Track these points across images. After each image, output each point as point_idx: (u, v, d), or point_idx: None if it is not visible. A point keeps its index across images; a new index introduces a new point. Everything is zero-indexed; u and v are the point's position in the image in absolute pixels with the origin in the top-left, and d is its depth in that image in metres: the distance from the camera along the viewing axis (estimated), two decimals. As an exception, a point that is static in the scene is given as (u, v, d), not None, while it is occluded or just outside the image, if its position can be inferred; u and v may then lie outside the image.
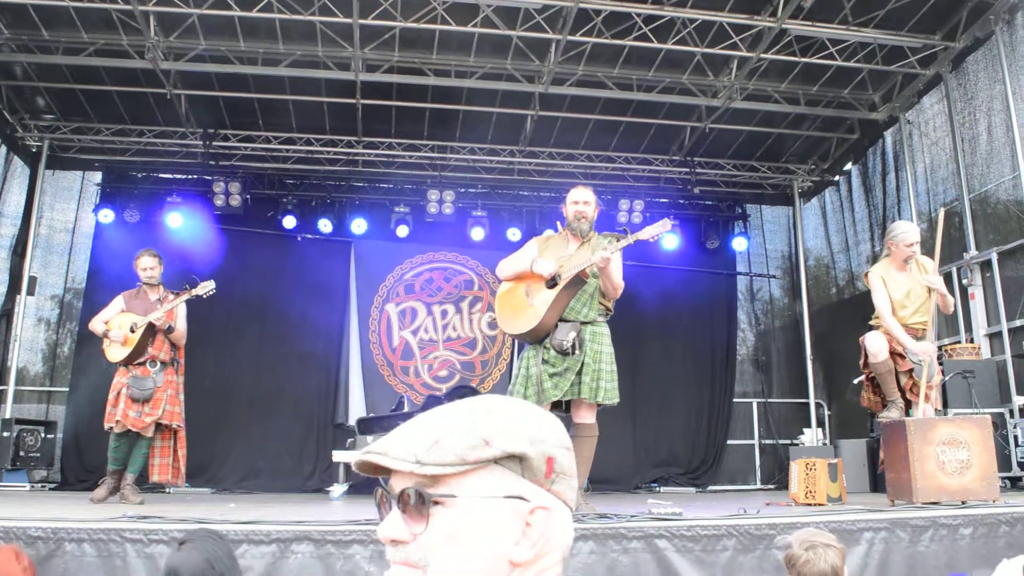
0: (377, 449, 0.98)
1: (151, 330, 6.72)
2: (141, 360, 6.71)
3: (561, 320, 5.27)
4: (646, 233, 5.38)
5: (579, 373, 5.26)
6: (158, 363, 6.75)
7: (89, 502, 6.35)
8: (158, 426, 6.67)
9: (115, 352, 6.77)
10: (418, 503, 0.95)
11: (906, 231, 6.12)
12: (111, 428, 6.57)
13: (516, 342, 10.40)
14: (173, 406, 6.75)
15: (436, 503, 0.95)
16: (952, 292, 8.75)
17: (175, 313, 6.85)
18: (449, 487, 0.95)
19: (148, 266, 6.93)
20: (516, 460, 0.97)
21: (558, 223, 5.74)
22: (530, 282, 5.30)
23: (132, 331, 6.69)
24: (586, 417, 5.32)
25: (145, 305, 6.82)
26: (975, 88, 8.84)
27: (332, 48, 9.07)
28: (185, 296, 6.86)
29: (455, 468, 0.95)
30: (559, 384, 5.19)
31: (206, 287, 6.91)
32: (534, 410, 1.03)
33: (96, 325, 6.86)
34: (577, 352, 5.22)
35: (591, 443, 5.31)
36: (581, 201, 5.48)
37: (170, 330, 6.79)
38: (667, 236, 11.18)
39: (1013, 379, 8.04)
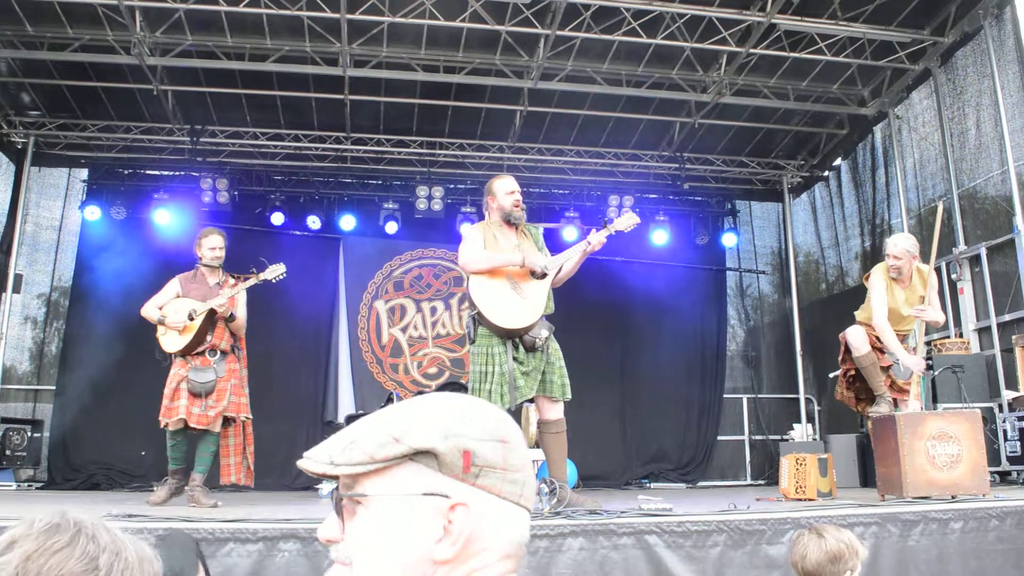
0: (306, 453, 1.00)
1: (211, 318, 6.19)
2: (200, 350, 6.19)
3: None
4: (620, 223, 5.59)
5: (544, 371, 5.24)
6: (218, 352, 6.23)
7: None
8: (224, 421, 6.22)
9: (172, 341, 6.18)
10: (340, 503, 0.97)
11: (888, 243, 6.27)
12: (166, 425, 6.05)
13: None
14: (239, 397, 6.26)
15: (357, 503, 0.96)
16: (941, 287, 8.79)
17: (236, 300, 6.34)
18: (364, 486, 0.96)
19: (217, 245, 6.36)
20: (431, 456, 0.95)
21: (487, 214, 5.67)
22: (511, 274, 5.25)
23: (191, 318, 6.13)
24: (556, 413, 5.28)
25: (204, 290, 6.28)
26: (964, 83, 8.85)
27: (320, 43, 9.02)
28: (251, 282, 6.38)
29: (365, 467, 0.95)
30: (528, 383, 5.16)
31: (275, 271, 6.44)
32: (458, 404, 1.01)
33: (150, 311, 6.22)
34: (544, 350, 5.22)
35: (564, 438, 5.29)
36: (516, 191, 5.50)
37: (231, 318, 6.25)
38: (656, 232, 11.22)
39: (1002, 374, 8.06)
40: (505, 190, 5.46)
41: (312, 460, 0.98)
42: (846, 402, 6.53)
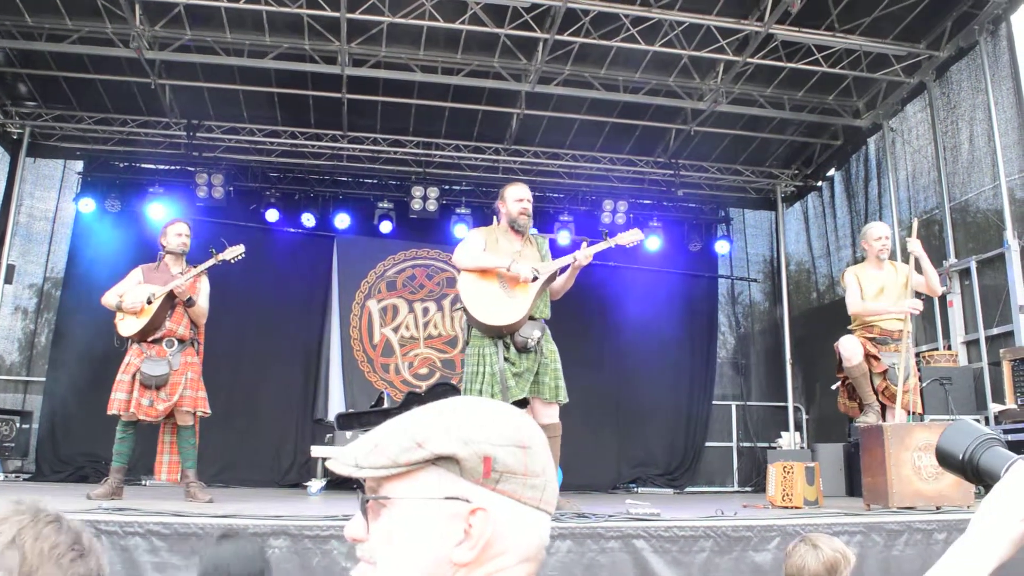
0: (333, 454, 1.06)
1: (170, 301, 6.03)
2: (157, 337, 6.02)
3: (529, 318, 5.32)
4: (623, 239, 5.61)
5: (537, 373, 5.28)
6: (175, 342, 6.07)
7: (86, 498, 5.67)
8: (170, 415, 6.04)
9: (128, 325, 6.01)
10: (365, 504, 1.00)
11: (874, 226, 6.43)
12: (116, 415, 5.93)
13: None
14: (196, 391, 6.09)
15: (381, 504, 0.98)
16: (931, 300, 8.85)
17: (197, 287, 6.20)
18: (387, 489, 0.98)
19: (183, 232, 6.30)
20: (453, 461, 0.97)
21: (494, 218, 5.75)
22: (504, 276, 5.30)
23: (149, 302, 5.95)
24: (551, 416, 5.31)
25: (166, 278, 6.10)
26: (958, 97, 8.91)
27: (319, 42, 9.03)
28: (211, 262, 6.21)
29: (389, 471, 0.98)
30: (519, 383, 5.20)
31: (234, 252, 6.32)
32: (482, 409, 1.03)
33: (110, 298, 6.09)
34: (536, 351, 5.26)
35: (556, 442, 5.31)
36: (525, 199, 5.57)
37: (190, 303, 6.08)
38: (650, 238, 11.22)
39: (989, 387, 8.11)
40: (515, 197, 5.54)
41: (338, 462, 1.01)
42: (849, 412, 6.56)
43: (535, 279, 5.27)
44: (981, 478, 1.18)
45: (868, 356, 6.10)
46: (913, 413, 6.08)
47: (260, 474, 10.01)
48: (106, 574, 1.19)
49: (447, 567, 0.96)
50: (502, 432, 1.00)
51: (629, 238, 5.61)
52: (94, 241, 10.31)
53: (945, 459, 1.24)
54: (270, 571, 2.81)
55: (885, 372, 6.07)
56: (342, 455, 1.02)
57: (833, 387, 6.64)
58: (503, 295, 5.25)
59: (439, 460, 0.97)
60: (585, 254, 5.35)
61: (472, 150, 11.42)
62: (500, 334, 5.24)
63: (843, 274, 6.46)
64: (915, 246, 6.06)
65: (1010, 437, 7.14)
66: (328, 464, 1.04)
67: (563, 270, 5.46)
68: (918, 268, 6.17)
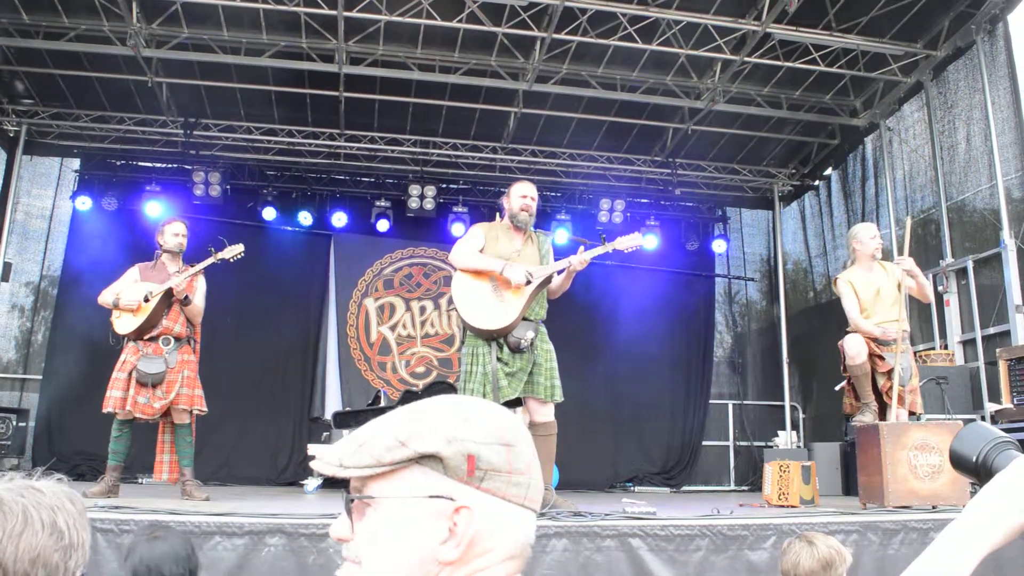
0: (318, 454, 1.04)
1: (167, 300, 6.00)
2: (154, 335, 6.00)
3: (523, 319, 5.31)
4: (622, 243, 5.57)
5: (531, 373, 5.27)
6: (172, 340, 6.05)
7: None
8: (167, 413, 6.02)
9: (125, 323, 5.99)
10: (350, 503, 1.00)
11: (864, 227, 6.42)
12: (111, 412, 5.91)
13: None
14: (192, 389, 6.07)
15: (366, 504, 0.98)
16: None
17: (194, 285, 6.17)
18: (372, 489, 0.98)
19: (180, 232, 6.27)
20: (436, 459, 0.97)
21: (497, 214, 5.76)
22: (496, 277, 5.29)
23: (146, 300, 5.95)
24: (546, 415, 5.31)
25: (163, 277, 6.09)
26: (955, 97, 8.92)
27: (316, 40, 9.02)
28: (209, 261, 6.21)
29: (372, 470, 0.98)
30: (512, 383, 5.20)
31: (234, 251, 6.31)
32: (464, 408, 1.03)
33: (106, 297, 6.07)
34: (529, 351, 5.25)
35: (552, 440, 5.30)
36: (528, 196, 5.57)
37: (187, 301, 6.05)
38: (647, 237, 11.20)
39: (985, 386, 8.12)
40: (518, 193, 5.55)
41: (323, 462, 1.01)
42: (855, 413, 6.53)
43: (528, 283, 5.26)
44: None
45: (871, 356, 6.09)
46: (913, 413, 6.08)
47: (257, 472, 10.01)
48: (81, 540, 1.16)
49: (432, 566, 0.96)
50: (486, 430, 1.00)
51: (627, 243, 5.56)
52: (91, 239, 10.29)
53: (959, 462, 1.24)
54: (199, 569, 2.79)
55: (890, 372, 6.04)
56: (327, 455, 1.02)
57: (838, 387, 6.62)
58: (495, 298, 5.23)
59: (423, 459, 0.97)
60: (581, 259, 5.33)
61: (469, 148, 11.42)
62: (492, 336, 5.24)
63: (836, 281, 6.42)
64: (909, 264, 6.04)
65: (1007, 436, 7.14)
66: (313, 464, 1.04)
67: (559, 273, 5.45)
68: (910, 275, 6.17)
